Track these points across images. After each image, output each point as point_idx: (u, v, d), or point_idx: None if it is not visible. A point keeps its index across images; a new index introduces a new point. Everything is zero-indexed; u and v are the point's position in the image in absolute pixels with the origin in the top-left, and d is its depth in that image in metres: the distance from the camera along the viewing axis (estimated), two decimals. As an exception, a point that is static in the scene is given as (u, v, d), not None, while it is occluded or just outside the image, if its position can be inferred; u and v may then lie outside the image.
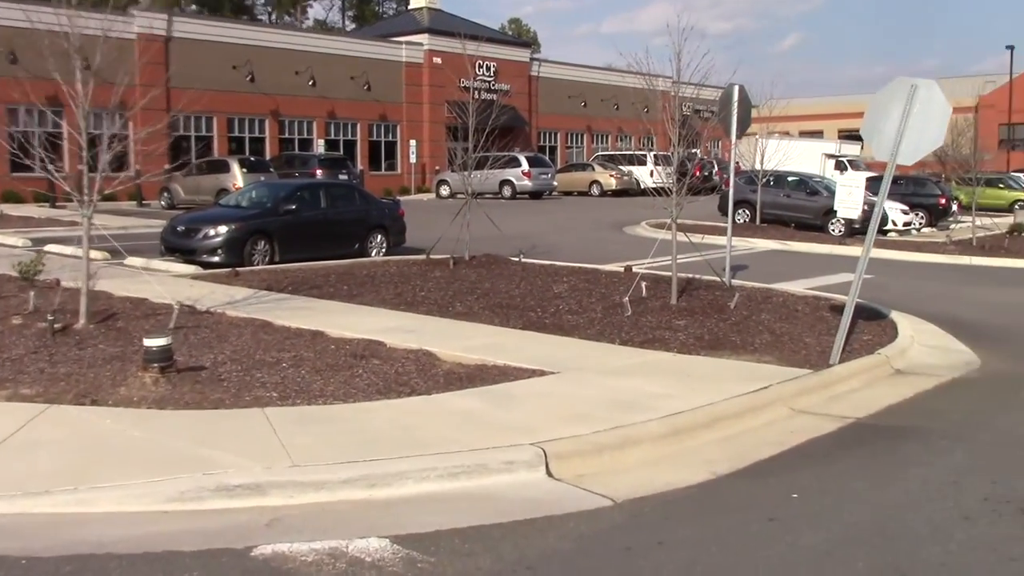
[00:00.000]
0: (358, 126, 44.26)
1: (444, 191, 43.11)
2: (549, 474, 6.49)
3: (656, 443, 7.17)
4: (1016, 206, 39.14)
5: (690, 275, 15.75)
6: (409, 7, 51.73)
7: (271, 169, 31.75)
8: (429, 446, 6.60)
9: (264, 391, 8.19)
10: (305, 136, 42.87)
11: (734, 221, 27.11)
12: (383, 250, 19.53)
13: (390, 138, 45.77)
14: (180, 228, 17.56)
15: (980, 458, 7.14)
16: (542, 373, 9.12)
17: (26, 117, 30.76)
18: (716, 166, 46.62)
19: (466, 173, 18.44)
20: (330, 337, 10.55)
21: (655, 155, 46.53)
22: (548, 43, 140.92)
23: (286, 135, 42.11)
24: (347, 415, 7.50)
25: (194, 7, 70.57)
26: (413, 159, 45.46)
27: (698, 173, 40.32)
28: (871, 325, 12.30)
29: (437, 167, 45.17)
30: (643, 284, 13.45)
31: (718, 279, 14.98)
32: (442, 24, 47.16)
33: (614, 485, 6.34)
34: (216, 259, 16.85)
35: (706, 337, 11.11)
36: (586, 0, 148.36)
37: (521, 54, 53.61)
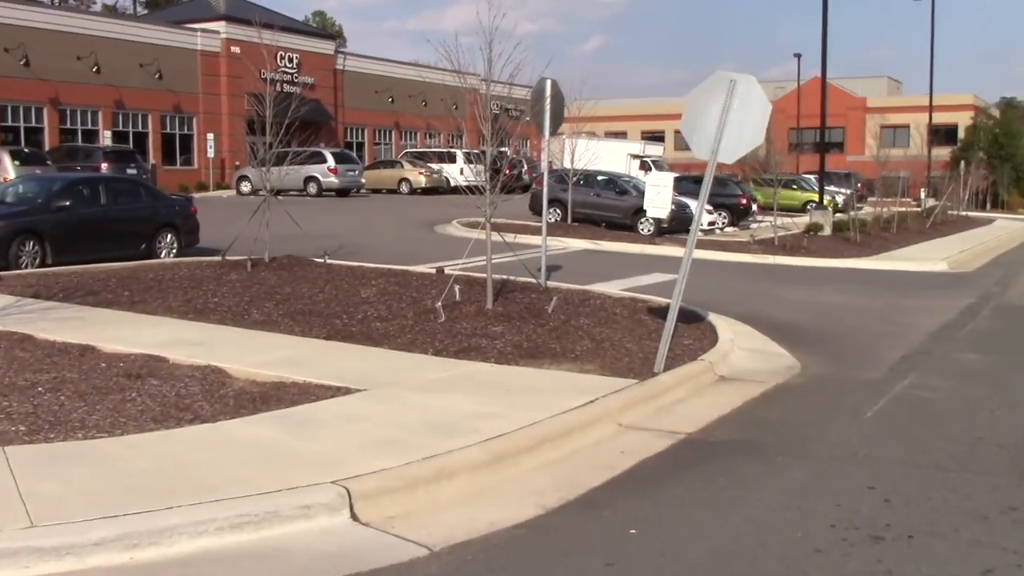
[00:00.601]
0: (149, 117, 41.42)
1: (245, 187, 40.98)
2: (354, 518, 5.54)
3: (476, 473, 6.34)
4: (809, 206, 40.88)
5: (505, 276, 15.09)
6: (206, -8, 49.07)
7: (48, 162, 29.05)
8: (210, 490, 5.52)
9: (9, 424, 6.83)
10: (90, 127, 39.68)
11: (547, 220, 26.87)
12: (174, 251, 17.92)
13: (186, 131, 43.12)
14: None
15: (819, 476, 6.71)
16: (348, 391, 8.14)
17: None
18: (526, 165, 46.62)
19: (264, 169, 16.98)
20: (102, 353, 9.19)
21: (466, 153, 46.07)
22: (354, 38, 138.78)
23: (68, 125, 38.84)
24: (111, 452, 6.29)
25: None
26: (211, 153, 43.08)
27: (509, 171, 40.13)
28: (690, 328, 11.96)
29: (237, 162, 42.94)
30: (456, 287, 12.65)
31: (534, 281, 14.39)
32: (240, 12, 44.82)
33: (430, 528, 5.46)
34: (-27, 261, 14.88)
35: (525, 345, 10.41)
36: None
37: (325, 46, 51.89)
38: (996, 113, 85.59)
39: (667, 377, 9.19)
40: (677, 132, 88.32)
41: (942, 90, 55.71)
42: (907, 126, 65.85)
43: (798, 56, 65.17)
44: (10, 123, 36.71)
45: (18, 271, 14.94)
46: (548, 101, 14.40)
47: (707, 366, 9.90)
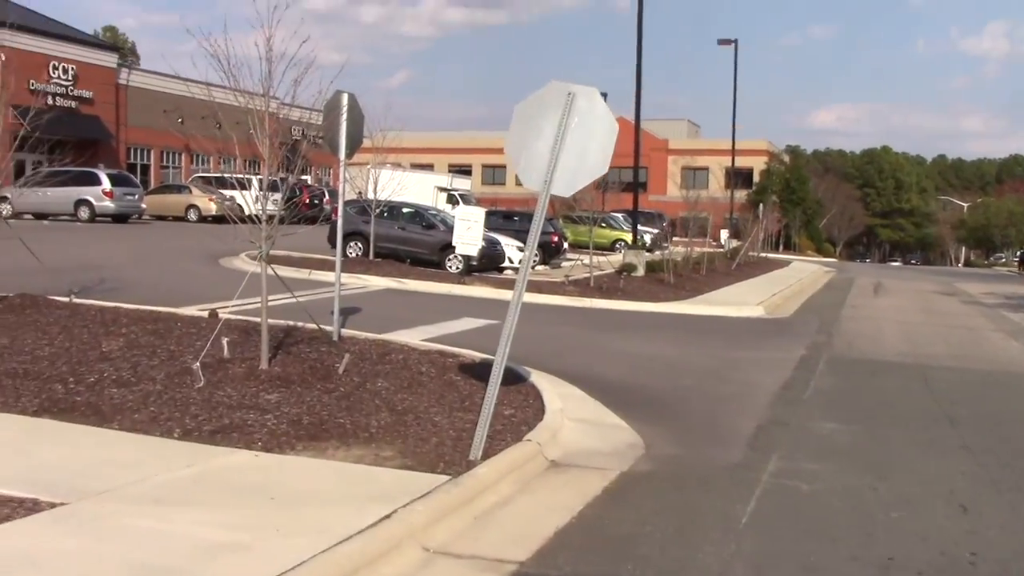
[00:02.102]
0: None
1: (5, 210, 36.36)
2: None
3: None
4: (618, 245, 40.31)
5: (292, 323, 12.72)
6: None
7: None
8: None
9: None
10: None
11: (344, 255, 24.44)
12: None
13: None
14: None
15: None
16: (36, 506, 5.63)
17: None
18: (327, 194, 43.99)
19: (13, 187, 13.94)
20: None
21: (261, 179, 42.83)
22: (150, 59, 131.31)
23: None
24: None
25: None
26: (-32, 170, 38.13)
27: (306, 200, 37.40)
28: (509, 391, 9.99)
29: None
30: (225, 340, 10.19)
31: (326, 328, 12.11)
32: (6, 14, 40.28)
33: None
34: None
35: (305, 420, 8.13)
36: (192, 17, 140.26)
37: (107, 58, 47.53)
38: (787, 159, 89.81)
39: (487, 469, 7.13)
40: (485, 166, 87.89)
41: (738, 136, 57.16)
42: (706, 168, 67.49)
43: (604, 95, 65.53)
44: None
45: None
46: (344, 116, 12.21)
47: (535, 449, 7.92)
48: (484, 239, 23.56)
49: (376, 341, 12.51)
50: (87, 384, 8.83)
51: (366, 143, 15.24)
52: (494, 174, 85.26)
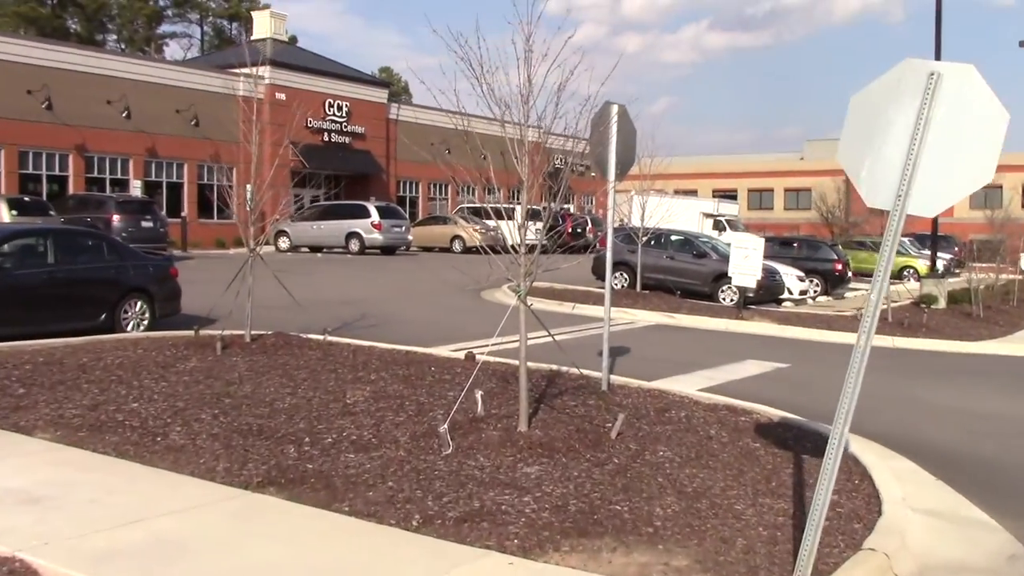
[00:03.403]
0: (185, 166, 38.56)
1: (283, 243, 37.86)
2: None
3: None
4: (906, 272, 36.35)
5: (553, 367, 11.20)
6: (251, 38, 46.48)
7: (51, 212, 25.99)
8: None
9: None
10: (119, 176, 36.80)
11: (612, 286, 22.97)
12: (144, 322, 14.33)
13: (224, 182, 40.13)
14: None
15: None
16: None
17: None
18: (589, 223, 42.86)
19: (247, 221, 13.46)
20: None
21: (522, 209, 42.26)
22: (421, 97, 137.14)
23: (95, 174, 35.97)
24: None
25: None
26: (250, 206, 40.02)
27: (569, 228, 36.25)
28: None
29: (277, 216, 39.77)
30: (479, 394, 8.73)
31: (592, 375, 10.47)
32: (288, 57, 42.30)
33: None
34: None
35: (572, 505, 6.44)
36: (458, 83, 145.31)
37: (378, 94, 48.88)
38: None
39: (823, 598, 5.12)
40: (751, 190, 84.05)
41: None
42: (999, 186, 60.88)
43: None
44: (31, 170, 33.90)
45: (-76, 349, 11.46)
46: (614, 131, 10.55)
47: (883, 564, 5.79)
48: (764, 269, 21.25)
49: (651, 391, 10.71)
50: (323, 447, 7.60)
51: (632, 169, 13.56)
52: (761, 198, 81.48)
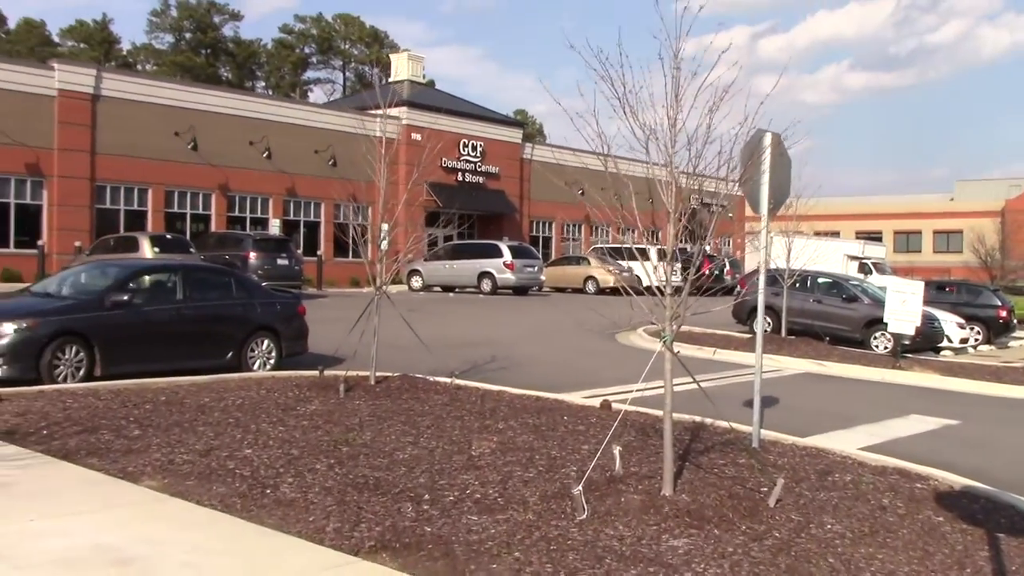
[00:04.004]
0: (322, 206, 39.06)
1: (416, 283, 37.76)
2: None
3: None
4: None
5: (697, 418, 10.25)
6: (389, 79, 47.12)
7: (192, 250, 26.42)
8: None
9: None
10: (259, 215, 37.53)
11: (751, 331, 21.88)
12: (271, 361, 14.00)
13: (357, 220, 40.44)
14: (-49, 325, 12.08)
15: None
16: None
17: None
18: (728, 264, 41.38)
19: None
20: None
21: (659, 249, 41.10)
22: (556, 139, 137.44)
23: (236, 212, 36.79)
24: None
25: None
26: (384, 245, 40.22)
27: (707, 269, 34.83)
28: (1027, 549, 6.67)
29: (410, 255, 39.84)
30: (617, 451, 7.84)
31: (738, 429, 9.47)
32: (424, 99, 42.58)
33: None
34: (-4, 371, 11.38)
35: (729, 590, 5.49)
36: (597, 102, 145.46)
37: (512, 134, 48.74)
38: None
39: None
40: (897, 232, 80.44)
41: None
42: None
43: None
44: (176, 209, 34.88)
45: (54, 385, 11.32)
46: (767, 161, 9.59)
47: None
48: (924, 315, 19.68)
49: (807, 450, 9.61)
50: (444, 506, 6.84)
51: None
52: (908, 240, 77.87)
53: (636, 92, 7.00)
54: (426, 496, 7.07)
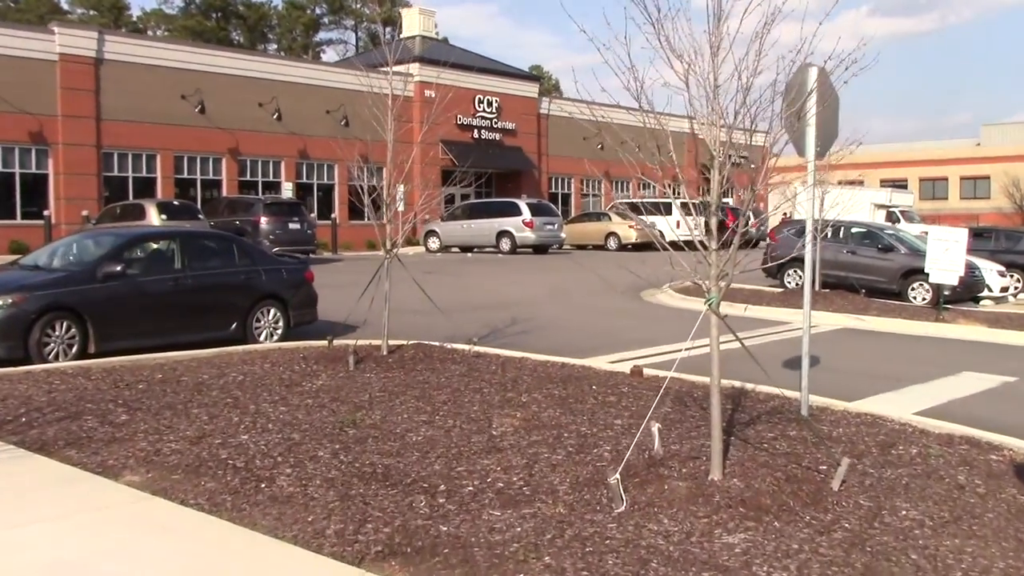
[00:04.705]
0: (336, 168, 38.08)
1: (433, 244, 36.90)
2: None
3: None
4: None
5: (736, 383, 9.37)
6: (401, 36, 45.87)
7: (200, 216, 25.58)
8: None
9: None
10: (271, 179, 36.57)
11: (783, 285, 20.73)
12: (278, 331, 13.19)
13: (375, 182, 39.46)
14: (-67, 301, 11.29)
15: None
16: None
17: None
18: (753, 216, 40.23)
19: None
20: None
21: (683, 203, 39.83)
22: (573, 94, 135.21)
23: (247, 177, 35.84)
24: None
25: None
26: (400, 207, 39.31)
27: (731, 223, 33.66)
28: None
29: (427, 216, 38.87)
30: (655, 428, 6.96)
31: (780, 393, 8.58)
32: (438, 54, 41.29)
33: None
34: (-21, 350, 10.61)
35: (800, 600, 4.63)
36: (616, 55, 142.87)
37: (529, 89, 47.45)
38: None
39: None
40: (923, 179, 78.63)
41: None
42: None
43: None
44: (186, 175, 33.98)
45: (43, 365, 10.54)
46: (813, 100, 8.58)
47: None
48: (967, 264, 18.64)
49: (862, 417, 8.71)
50: (461, 498, 6.00)
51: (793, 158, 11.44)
52: (934, 188, 76.16)
53: (673, 17, 6.02)
54: (442, 487, 6.23)
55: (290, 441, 7.28)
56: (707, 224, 6.31)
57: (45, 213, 28.67)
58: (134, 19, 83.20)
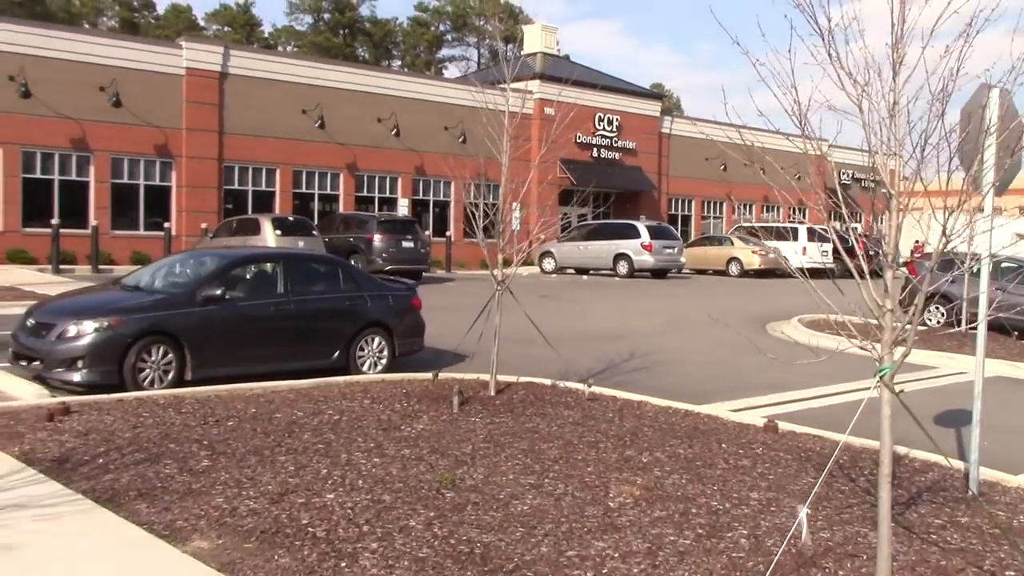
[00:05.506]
0: (452, 185, 37.61)
1: (548, 265, 36.05)
2: None
3: None
4: None
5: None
6: (522, 52, 45.26)
7: (314, 232, 25.31)
8: None
9: None
10: (387, 195, 36.34)
11: (923, 323, 19.30)
12: (382, 361, 12.48)
13: (492, 200, 38.91)
14: (32, 322, 10.93)
15: None
16: None
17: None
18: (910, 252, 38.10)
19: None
20: None
21: (809, 229, 38.14)
22: (693, 113, 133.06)
23: (364, 192, 35.67)
24: None
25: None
26: (516, 226, 38.63)
27: (862, 250, 31.86)
28: None
29: (542, 236, 38.08)
30: (804, 513, 5.85)
31: (945, 465, 7.35)
32: (558, 71, 40.54)
33: None
34: (75, 377, 10.15)
35: None
36: (736, 76, 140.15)
37: (650, 107, 46.22)
38: None
39: None
40: (1073, 207, 73.68)
41: None
42: None
43: None
44: (304, 189, 34.00)
45: (136, 392, 10.04)
46: (993, 125, 7.34)
47: None
48: None
49: (1046, 501, 7.39)
50: (572, 594, 5.04)
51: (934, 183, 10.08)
52: (1082, 216, 71.40)
53: (844, 28, 4.97)
54: (548, 577, 5.28)
55: (380, 504, 6.44)
56: (880, 274, 5.22)
57: (165, 225, 28.94)
58: (265, 35, 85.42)
